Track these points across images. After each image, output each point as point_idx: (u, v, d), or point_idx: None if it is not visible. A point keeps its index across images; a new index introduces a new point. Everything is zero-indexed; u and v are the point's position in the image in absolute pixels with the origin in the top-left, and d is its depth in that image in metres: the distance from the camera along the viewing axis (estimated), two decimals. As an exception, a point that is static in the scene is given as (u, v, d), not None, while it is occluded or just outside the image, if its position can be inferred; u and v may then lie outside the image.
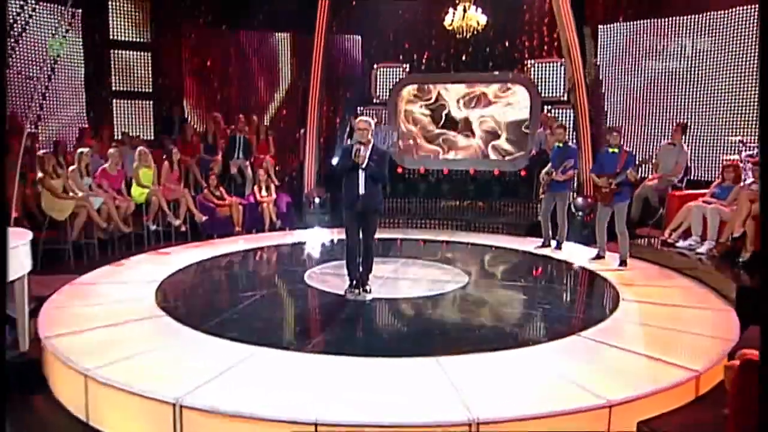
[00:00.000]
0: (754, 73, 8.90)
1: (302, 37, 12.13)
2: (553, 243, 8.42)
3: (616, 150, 7.32)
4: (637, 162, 7.31)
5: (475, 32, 10.80)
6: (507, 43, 11.85)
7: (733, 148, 8.23)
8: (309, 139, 11.47)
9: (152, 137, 11.58)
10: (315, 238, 9.69)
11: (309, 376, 4.06)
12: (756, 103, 8.83)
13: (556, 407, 3.58)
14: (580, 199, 9.35)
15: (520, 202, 10.55)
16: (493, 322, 5.64)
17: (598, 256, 7.69)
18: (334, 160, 11.01)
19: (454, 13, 10.83)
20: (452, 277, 6.97)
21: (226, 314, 5.49)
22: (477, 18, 10.71)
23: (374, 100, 12.34)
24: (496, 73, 11.56)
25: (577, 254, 8.11)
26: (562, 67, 11.27)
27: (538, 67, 11.56)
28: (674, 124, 8.53)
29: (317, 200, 10.93)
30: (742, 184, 7.35)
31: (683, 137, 8.54)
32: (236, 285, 7.15)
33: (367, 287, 6.20)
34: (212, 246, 8.70)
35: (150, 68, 11.66)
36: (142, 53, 11.61)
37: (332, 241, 9.38)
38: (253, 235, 9.76)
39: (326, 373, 4.11)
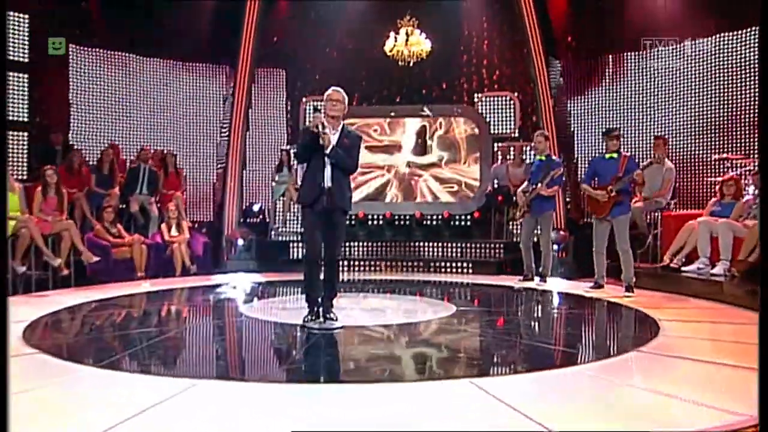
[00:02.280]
0: (722, 96, 8.88)
1: (223, 68, 10.92)
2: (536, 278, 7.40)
3: (615, 155, 6.58)
4: (640, 168, 6.53)
5: (419, 59, 10.12)
6: (454, 75, 11.34)
7: (718, 166, 7.77)
8: (231, 175, 10.02)
9: (26, 174, 9.48)
10: (242, 280, 8.09)
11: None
12: (732, 123, 8.75)
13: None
14: (553, 233, 8.45)
15: (476, 242, 9.53)
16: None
17: (597, 285, 6.73)
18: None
19: (395, 38, 10.13)
20: (444, 308, 5.83)
21: (147, 347, 4.02)
22: (421, 44, 10.08)
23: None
24: (443, 106, 10.81)
25: (565, 288, 7.19)
26: (512, 102, 10.76)
27: (487, 101, 10.98)
28: (653, 138, 7.98)
29: (240, 243, 9.33)
30: (747, 197, 6.78)
31: (665, 151, 8.00)
32: (153, 319, 5.51)
33: (332, 314, 4.83)
34: (106, 289, 6.86)
35: (26, 92, 9.67)
36: (19, 75, 9.63)
37: (264, 282, 7.94)
38: (162, 280, 7.95)
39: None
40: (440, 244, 9.63)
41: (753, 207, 6.55)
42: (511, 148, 10.16)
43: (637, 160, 6.76)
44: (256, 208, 10.71)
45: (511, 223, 9.47)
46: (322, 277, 4.91)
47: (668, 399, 2.97)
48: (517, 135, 10.76)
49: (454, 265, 9.01)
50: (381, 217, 10.36)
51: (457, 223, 10.24)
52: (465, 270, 8.83)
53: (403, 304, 6.38)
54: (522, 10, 9.99)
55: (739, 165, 7.75)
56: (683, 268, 6.78)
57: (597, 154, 8.00)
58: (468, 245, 9.43)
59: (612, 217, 6.50)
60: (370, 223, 10.42)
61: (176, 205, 9.02)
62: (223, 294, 7.17)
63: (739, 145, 8.58)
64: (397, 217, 10.46)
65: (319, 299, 4.91)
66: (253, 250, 9.36)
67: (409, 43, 10.16)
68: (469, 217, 10.22)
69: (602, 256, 6.69)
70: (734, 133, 8.72)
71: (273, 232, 10.05)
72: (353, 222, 9.99)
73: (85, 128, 10.22)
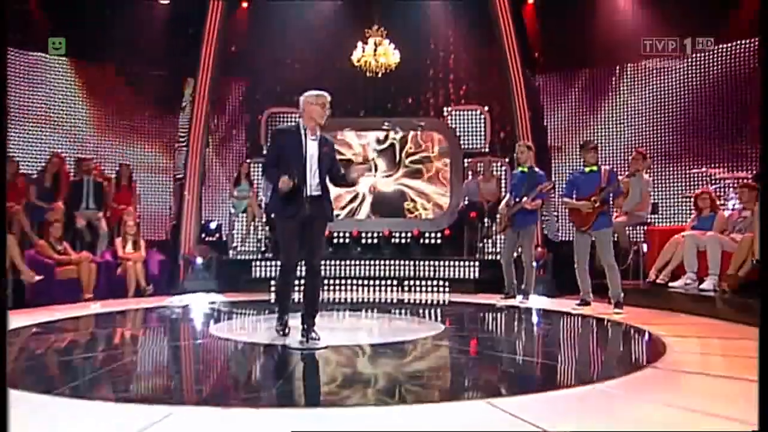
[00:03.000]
0: (700, 110, 9.06)
1: (177, 76, 10.46)
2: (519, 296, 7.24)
3: (595, 168, 6.48)
4: (619, 180, 6.45)
5: (387, 71, 9.92)
6: (422, 88, 11.18)
7: (697, 180, 7.83)
8: (190, 190, 9.51)
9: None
10: (204, 300, 7.60)
11: None
12: (710, 137, 8.90)
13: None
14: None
15: (449, 260, 9.28)
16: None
17: (584, 303, 6.59)
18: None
19: (363, 49, 9.92)
20: (431, 327, 5.60)
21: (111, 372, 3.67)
22: (390, 55, 9.89)
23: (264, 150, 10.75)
24: (412, 119, 10.61)
25: (550, 305, 7.04)
26: (482, 116, 10.67)
27: (457, 114, 10.85)
28: (633, 151, 7.97)
29: (199, 261, 8.80)
30: (730, 211, 6.79)
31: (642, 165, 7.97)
32: (114, 343, 5.04)
33: (314, 333, 4.55)
34: (49, 311, 6.30)
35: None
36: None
37: (228, 303, 7.52)
38: (113, 301, 7.37)
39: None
40: (411, 263, 9.34)
41: (738, 221, 6.54)
42: (479, 164, 10.02)
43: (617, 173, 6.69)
44: (213, 225, 10.19)
45: (485, 240, 9.30)
46: (302, 291, 4.73)
47: (702, 416, 2.87)
48: (487, 150, 10.62)
49: (429, 283, 8.73)
50: (348, 234, 10.00)
51: (427, 240, 9.95)
52: (441, 288, 8.55)
53: (386, 322, 6.10)
54: (500, 23, 9.93)
55: (717, 179, 7.82)
56: (670, 284, 6.70)
57: (574, 169, 7.94)
58: (441, 263, 9.17)
59: (594, 231, 6.37)
60: (336, 241, 10.06)
61: (135, 220, 8.48)
62: (185, 314, 6.68)
63: (717, 159, 8.67)
64: (365, 235, 10.12)
65: (302, 315, 4.67)
66: (212, 270, 8.84)
67: (378, 53, 9.95)
68: (439, 234, 9.98)
69: (585, 272, 6.57)
70: (712, 147, 8.82)
71: (232, 251, 9.56)
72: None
73: (25, 137, 9.52)
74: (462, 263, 9.00)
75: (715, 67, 8.96)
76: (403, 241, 10.00)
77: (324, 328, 4.96)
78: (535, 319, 6.33)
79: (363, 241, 10.05)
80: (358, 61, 9.99)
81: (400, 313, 6.68)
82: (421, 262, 9.30)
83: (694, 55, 8.95)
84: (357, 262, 9.40)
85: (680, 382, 3.69)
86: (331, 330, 5.20)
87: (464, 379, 3.81)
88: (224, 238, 9.83)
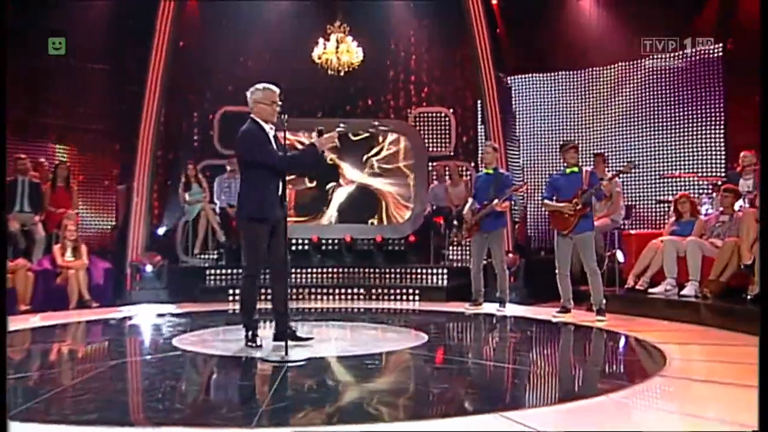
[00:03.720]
0: (671, 114, 9.22)
1: (127, 74, 9.95)
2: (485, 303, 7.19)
3: (576, 169, 6.44)
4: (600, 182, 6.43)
5: (350, 69, 9.72)
6: (386, 88, 11.01)
7: (669, 185, 7.97)
8: (139, 192, 9.02)
9: None
10: (157, 311, 7.16)
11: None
12: (681, 141, 9.05)
13: None
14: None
15: (415, 267, 9.11)
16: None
17: (564, 310, 6.53)
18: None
19: (325, 45, 9.68)
20: (413, 337, 5.35)
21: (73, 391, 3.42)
22: (353, 53, 9.69)
23: (219, 151, 10.34)
24: (375, 122, 10.40)
25: (528, 313, 6.96)
26: (447, 119, 10.60)
27: (422, 117, 10.74)
28: (593, 155, 8.00)
29: (148, 269, 8.32)
30: (707, 216, 6.87)
31: (606, 168, 8.03)
32: (69, 359, 4.72)
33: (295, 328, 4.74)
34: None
35: None
36: None
37: (184, 313, 7.10)
38: (54, 314, 6.85)
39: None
40: (375, 271, 9.14)
41: (717, 225, 6.62)
42: (447, 167, 9.95)
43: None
44: (161, 231, 9.70)
45: (452, 246, 9.17)
46: (271, 296, 4.68)
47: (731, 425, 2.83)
48: (452, 153, 10.55)
49: (396, 292, 8.51)
50: (307, 241, 9.70)
51: (390, 247, 9.77)
52: (410, 297, 8.36)
53: (364, 332, 5.86)
54: (472, 21, 9.87)
55: (690, 183, 7.95)
56: (650, 290, 6.71)
57: (549, 173, 7.92)
58: (406, 271, 9.00)
59: (576, 234, 6.33)
60: (294, 248, 9.75)
61: (75, 225, 7.94)
62: (139, 327, 6.26)
63: (688, 163, 8.83)
64: (325, 241, 9.84)
65: (277, 324, 4.63)
66: (163, 278, 8.37)
67: (340, 50, 9.72)
68: (403, 241, 9.80)
69: (567, 278, 6.51)
70: (682, 151, 8.99)
71: (185, 258, 9.11)
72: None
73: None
74: (430, 271, 8.84)
75: (682, 71, 9.15)
76: (366, 247, 9.79)
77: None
78: (519, 328, 6.20)
79: (323, 247, 9.79)
80: (319, 58, 9.74)
81: (374, 323, 6.44)
82: (386, 270, 9.10)
83: (662, 56, 9.12)
84: (317, 270, 9.13)
85: (693, 390, 3.65)
86: (307, 341, 4.89)
87: (473, 392, 3.64)
88: (176, 245, 9.36)
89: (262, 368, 4.04)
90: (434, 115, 10.73)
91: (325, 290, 8.76)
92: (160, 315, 6.93)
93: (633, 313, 6.55)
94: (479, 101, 10.14)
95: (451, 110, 10.59)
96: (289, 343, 4.24)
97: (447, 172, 9.90)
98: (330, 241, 9.84)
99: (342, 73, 9.84)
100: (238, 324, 5.82)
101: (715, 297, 6.13)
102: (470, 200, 7.35)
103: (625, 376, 4.08)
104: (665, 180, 8.75)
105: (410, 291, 8.45)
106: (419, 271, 8.91)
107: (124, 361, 4.45)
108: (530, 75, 10.59)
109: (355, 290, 8.76)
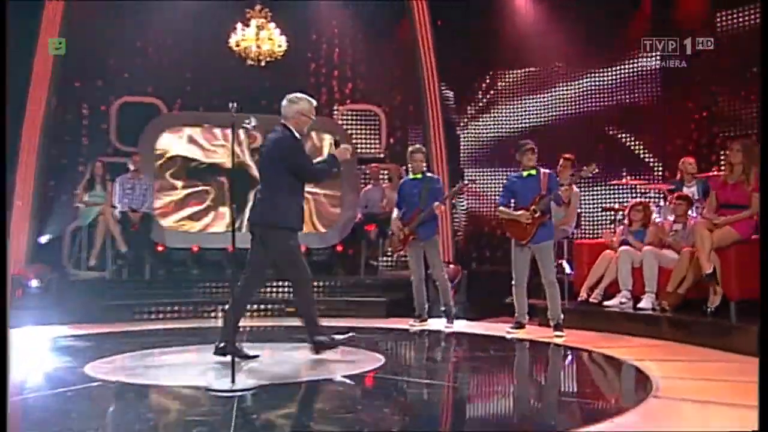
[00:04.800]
0: (620, 119, 9.45)
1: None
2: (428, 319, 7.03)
3: (534, 172, 6.33)
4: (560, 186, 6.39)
5: (272, 59, 9.23)
6: (312, 81, 10.57)
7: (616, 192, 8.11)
8: (21, 195, 8.24)
9: None
10: (51, 333, 6.36)
11: None
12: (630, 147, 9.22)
13: None
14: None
15: (344, 281, 8.82)
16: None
17: (519, 325, 6.43)
18: None
19: (244, 31, 9.14)
20: (369, 358, 5.08)
21: None
22: (275, 41, 9.22)
23: (118, 147, 9.51)
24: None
25: (478, 329, 6.85)
26: (377, 118, 10.36)
27: (350, 115, 10.45)
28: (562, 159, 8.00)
29: (33, 285, 7.42)
30: (658, 220, 7.03)
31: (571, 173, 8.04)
32: None
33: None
34: None
35: None
36: None
37: (90, 335, 6.39)
38: None
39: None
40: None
41: (670, 234, 6.68)
42: (387, 170, 9.76)
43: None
44: (44, 239, 8.74)
45: (387, 256, 8.91)
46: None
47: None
48: (382, 155, 10.36)
49: (327, 308, 8.00)
50: (221, 251, 9.08)
51: (315, 258, 9.35)
52: (343, 313, 7.92)
53: (306, 354, 5.40)
54: (413, 14, 9.67)
55: (641, 190, 8.07)
56: (605, 303, 6.68)
57: (506, 176, 7.81)
58: (336, 285, 8.70)
59: (534, 244, 6.23)
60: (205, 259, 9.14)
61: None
62: (33, 352, 5.48)
63: (635, 170, 9.01)
64: (241, 251, 9.21)
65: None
66: (53, 295, 7.49)
67: (261, 38, 9.20)
68: (329, 250, 9.50)
69: (524, 290, 6.43)
70: (628, 157, 9.16)
71: (72, 271, 8.24)
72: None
73: None
74: (364, 284, 8.61)
75: (621, 73, 9.37)
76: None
77: (239, 363, 4.38)
78: (476, 346, 6.07)
79: (238, 258, 9.17)
80: (237, 45, 9.19)
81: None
82: (313, 285, 8.66)
83: (600, 63, 9.30)
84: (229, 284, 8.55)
85: (695, 412, 3.59)
86: (256, 365, 4.66)
87: (469, 419, 3.48)
88: (63, 255, 8.46)
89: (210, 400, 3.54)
90: (363, 113, 10.49)
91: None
92: (54, 338, 6.15)
93: (588, 327, 6.56)
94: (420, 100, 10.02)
95: (381, 109, 10.32)
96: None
97: (386, 175, 9.68)
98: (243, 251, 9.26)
99: (263, 64, 9.34)
100: (162, 346, 5.40)
101: (673, 310, 6.18)
102: (395, 211, 7.15)
103: (620, 398, 4.06)
104: (611, 186, 8.86)
105: (344, 307, 8.07)
106: (351, 284, 8.60)
107: (30, 397, 3.78)
108: (471, 75, 10.62)
109: (276, 306, 8.25)
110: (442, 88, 10.25)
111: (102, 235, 8.25)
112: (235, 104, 4.26)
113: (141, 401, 3.84)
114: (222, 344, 4.66)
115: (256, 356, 4.81)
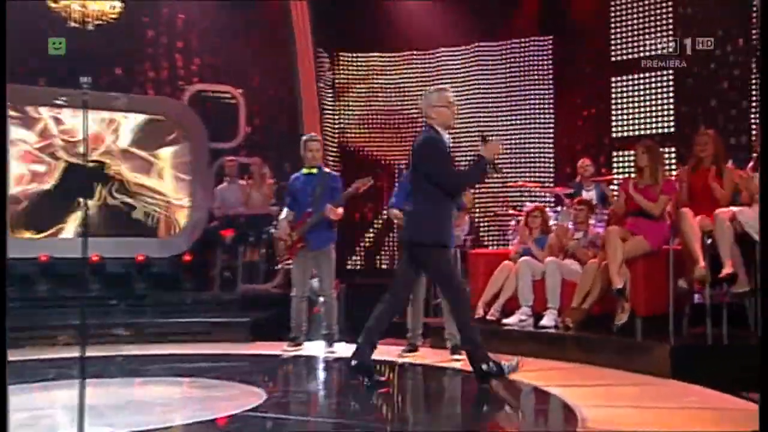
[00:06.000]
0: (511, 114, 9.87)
1: None
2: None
3: None
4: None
5: (102, 21, 8.90)
6: (154, 54, 10.23)
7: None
8: None
9: None
10: None
11: None
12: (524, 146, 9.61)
13: None
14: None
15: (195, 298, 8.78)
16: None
17: (412, 348, 6.59)
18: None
19: (67, -12, 8.75)
20: (243, 393, 5.02)
21: None
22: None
23: None
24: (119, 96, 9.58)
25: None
26: (235, 101, 10.25)
27: (202, 97, 10.23)
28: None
29: None
30: (555, 224, 7.48)
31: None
32: None
33: None
34: None
35: None
36: None
37: None
38: None
39: None
40: (136, 302, 8.66)
41: (575, 240, 7.08)
42: (253, 165, 9.61)
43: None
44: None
45: (251, 268, 8.88)
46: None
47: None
48: (240, 146, 10.24)
49: (174, 331, 7.86)
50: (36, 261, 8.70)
51: (157, 269, 9.23)
52: (195, 337, 7.78)
53: (170, 389, 5.45)
54: None
55: (537, 194, 8.51)
56: (504, 321, 6.98)
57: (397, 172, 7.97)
58: (184, 302, 8.62)
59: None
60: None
61: None
62: None
63: (519, 170, 9.47)
64: (60, 262, 8.83)
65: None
66: None
67: (89, -3, 8.80)
68: (176, 260, 9.36)
69: (420, 306, 6.61)
70: (527, 158, 9.62)
71: None
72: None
73: None
74: (220, 301, 8.57)
75: (511, 66, 9.89)
76: (121, 270, 9.17)
77: (97, 406, 4.20)
78: (370, 375, 5.99)
79: (59, 270, 8.82)
80: (56, 2, 8.73)
81: (166, 376, 5.86)
82: (153, 302, 8.65)
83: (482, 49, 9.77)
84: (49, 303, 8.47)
85: None
86: (113, 408, 4.49)
87: None
88: None
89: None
90: (217, 96, 10.28)
91: (60, 332, 7.71)
92: None
93: (488, 348, 6.73)
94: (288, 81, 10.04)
95: (240, 90, 10.17)
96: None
97: (253, 170, 9.53)
98: (69, 262, 8.73)
99: (90, 27, 8.89)
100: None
101: (577, 327, 6.53)
102: (284, 210, 7.09)
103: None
104: (506, 190, 9.28)
105: (196, 330, 7.89)
106: (203, 301, 8.56)
107: None
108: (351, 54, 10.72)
109: (106, 331, 7.78)
110: (319, 65, 10.30)
111: None
112: (88, 79, 3.92)
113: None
114: (355, 362, 4.98)
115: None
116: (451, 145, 5.28)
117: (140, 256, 9.19)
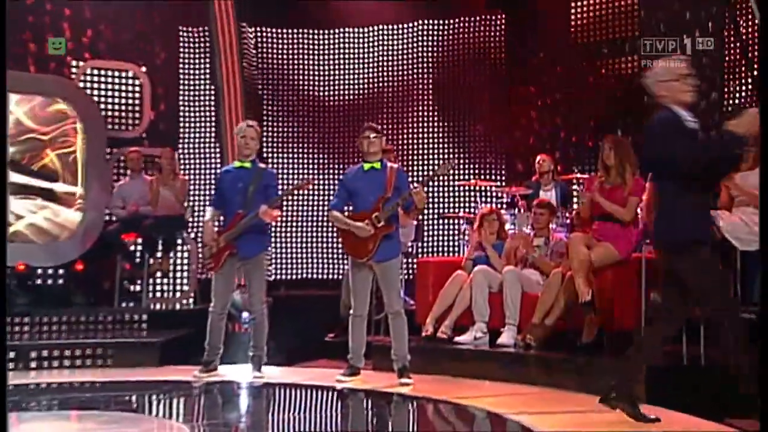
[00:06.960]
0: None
1: None
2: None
3: (378, 165, 6.49)
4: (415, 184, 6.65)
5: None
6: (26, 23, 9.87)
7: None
8: None
9: None
10: None
11: None
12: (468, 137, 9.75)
13: None
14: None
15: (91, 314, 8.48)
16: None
17: (353, 371, 6.53)
18: None
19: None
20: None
21: None
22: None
23: None
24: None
25: (299, 379, 6.90)
26: (137, 83, 10.00)
27: (97, 76, 9.95)
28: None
29: None
30: (512, 230, 7.57)
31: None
32: None
33: None
34: None
35: None
36: None
37: None
38: None
39: None
40: (20, 320, 8.22)
41: (536, 248, 7.16)
42: (162, 159, 9.32)
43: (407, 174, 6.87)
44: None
45: (155, 279, 8.82)
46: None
47: None
48: (143, 135, 10.07)
49: (63, 352, 7.70)
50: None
51: (41, 281, 8.99)
52: (96, 362, 7.65)
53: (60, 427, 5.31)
54: None
55: (491, 195, 8.59)
56: (456, 339, 7.01)
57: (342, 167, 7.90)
58: (75, 320, 8.30)
59: (377, 262, 6.37)
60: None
61: None
62: None
63: (465, 167, 9.55)
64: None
65: None
66: None
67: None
68: (65, 270, 9.08)
69: (363, 323, 6.57)
70: (475, 153, 9.70)
71: None
72: None
73: None
74: (121, 319, 8.35)
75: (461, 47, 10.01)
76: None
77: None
78: (305, 403, 6.10)
79: None
80: None
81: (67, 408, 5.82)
82: (39, 320, 8.28)
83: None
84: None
85: None
86: None
87: None
88: None
89: None
90: (116, 74, 10.04)
91: None
92: None
93: (436, 371, 6.82)
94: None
95: (144, 68, 9.97)
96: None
97: (164, 165, 9.22)
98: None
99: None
100: None
101: (540, 346, 6.61)
102: (209, 211, 6.99)
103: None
104: (453, 189, 9.34)
105: (94, 353, 7.70)
106: (100, 320, 8.30)
107: None
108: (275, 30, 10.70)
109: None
110: (243, 42, 10.21)
111: None
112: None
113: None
114: (613, 395, 4.82)
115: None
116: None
117: (20, 265, 8.87)
